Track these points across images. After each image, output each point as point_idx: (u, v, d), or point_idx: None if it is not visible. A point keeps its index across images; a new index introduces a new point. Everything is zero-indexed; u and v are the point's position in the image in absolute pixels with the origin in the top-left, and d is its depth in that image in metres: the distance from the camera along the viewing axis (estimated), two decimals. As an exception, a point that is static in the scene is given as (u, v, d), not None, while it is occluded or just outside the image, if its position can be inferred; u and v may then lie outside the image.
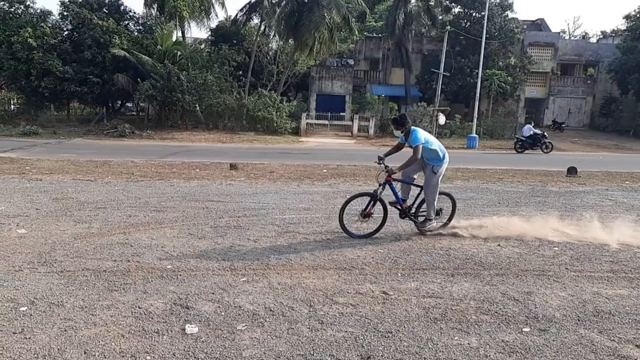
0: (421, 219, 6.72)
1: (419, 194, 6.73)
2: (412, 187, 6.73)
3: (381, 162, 6.46)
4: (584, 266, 5.60)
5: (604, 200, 10.00)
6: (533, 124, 23.88)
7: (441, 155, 6.49)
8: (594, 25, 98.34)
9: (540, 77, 39.84)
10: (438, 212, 6.75)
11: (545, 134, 23.72)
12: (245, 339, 3.67)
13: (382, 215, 6.54)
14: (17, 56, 26.78)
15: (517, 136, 24.35)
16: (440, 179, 6.56)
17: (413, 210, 6.74)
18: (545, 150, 22.88)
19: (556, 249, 6.27)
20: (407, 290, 4.73)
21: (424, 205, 6.70)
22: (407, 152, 6.52)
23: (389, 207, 6.56)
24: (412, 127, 6.38)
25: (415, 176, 6.70)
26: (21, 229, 6.50)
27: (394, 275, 5.15)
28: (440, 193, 6.73)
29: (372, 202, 6.46)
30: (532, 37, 39.51)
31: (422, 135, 6.33)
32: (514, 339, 3.78)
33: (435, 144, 6.50)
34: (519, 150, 23.21)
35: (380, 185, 6.48)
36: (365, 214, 6.48)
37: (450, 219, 7.01)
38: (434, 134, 15.79)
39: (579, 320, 4.15)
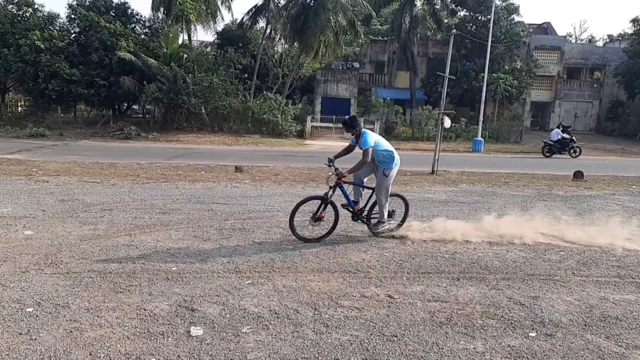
0: (374, 221, 6.69)
1: (370, 196, 6.71)
2: (364, 189, 6.68)
3: (331, 164, 6.37)
4: (590, 271, 5.56)
5: (610, 204, 9.93)
6: (562, 128, 23.49)
7: (392, 158, 6.46)
8: (600, 29, 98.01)
9: (546, 80, 39.73)
10: (391, 214, 6.73)
11: (573, 138, 23.25)
12: (250, 342, 3.67)
13: (334, 218, 6.47)
14: (25, 59, 27.00)
15: (544, 140, 23.98)
16: (391, 181, 6.54)
17: (365, 212, 6.70)
18: (573, 155, 22.46)
19: (562, 253, 6.23)
20: (413, 294, 4.71)
21: (377, 208, 6.67)
22: (359, 153, 6.47)
23: (340, 210, 6.51)
24: (363, 130, 6.35)
25: (365, 179, 6.68)
26: (28, 230, 6.54)
27: (399, 278, 5.13)
28: (393, 195, 6.73)
29: (323, 206, 6.37)
30: (538, 41, 39.44)
31: (373, 138, 6.32)
32: (520, 344, 3.75)
33: (386, 146, 6.48)
34: (547, 154, 22.85)
35: (330, 188, 6.40)
36: (317, 218, 6.37)
37: (403, 221, 6.98)
38: (440, 137, 15.74)
39: (585, 325, 4.12)
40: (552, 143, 22.97)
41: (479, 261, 5.78)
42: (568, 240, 6.76)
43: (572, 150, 22.68)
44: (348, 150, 6.65)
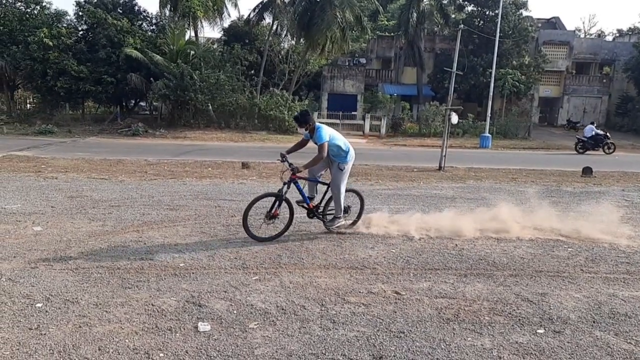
0: (330, 217, 6.56)
1: (326, 192, 6.57)
2: (319, 185, 6.56)
3: (284, 159, 6.16)
4: (599, 267, 5.52)
5: (619, 200, 9.84)
6: (595, 125, 23.19)
7: (346, 152, 6.32)
8: (609, 24, 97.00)
9: (554, 76, 39.39)
10: (346, 210, 6.60)
11: (607, 134, 23.00)
12: (258, 338, 3.68)
13: (289, 215, 6.32)
14: (34, 56, 27.16)
15: (578, 136, 23.71)
16: (347, 175, 6.41)
17: (321, 209, 6.56)
18: (607, 151, 22.20)
19: (571, 249, 6.19)
20: (420, 290, 4.70)
21: (332, 204, 6.53)
22: (312, 147, 6.31)
23: (295, 206, 6.37)
24: (317, 124, 6.19)
25: (320, 174, 6.53)
26: (37, 227, 6.59)
27: (406, 275, 5.12)
28: (348, 190, 6.61)
29: (277, 203, 6.17)
30: (547, 36, 39.09)
31: (328, 132, 6.16)
32: (528, 341, 3.73)
33: (341, 140, 6.32)
34: (580, 150, 22.59)
35: (285, 184, 6.21)
36: (271, 215, 6.16)
37: (359, 217, 6.88)
38: (447, 133, 15.67)
39: (594, 322, 4.09)
40: (585, 139, 22.62)
41: (486, 257, 5.76)
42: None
43: (606, 147, 22.33)
44: (301, 144, 6.48)
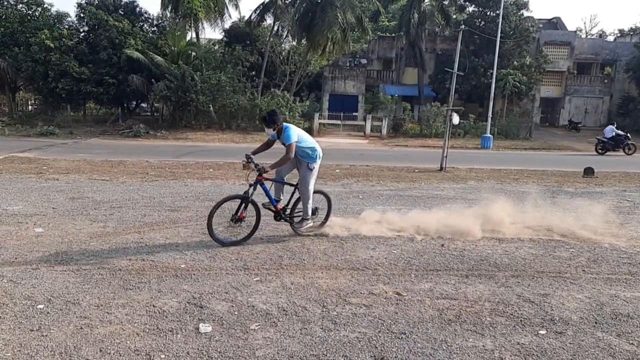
0: (297, 219, 6.40)
1: (293, 194, 6.44)
2: (285, 186, 6.40)
3: (250, 160, 5.99)
4: (601, 268, 5.51)
5: (621, 201, 9.83)
6: (615, 125, 22.99)
7: (314, 152, 6.21)
8: (611, 24, 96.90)
9: (556, 76, 39.35)
10: (314, 212, 6.46)
11: (628, 134, 22.77)
12: (259, 339, 3.68)
13: (255, 218, 6.16)
14: (35, 57, 27.22)
15: (598, 137, 23.43)
16: (316, 176, 6.30)
17: (288, 211, 6.42)
18: (628, 152, 21.94)
19: (573, 250, 6.18)
20: (421, 291, 4.70)
21: (299, 205, 6.39)
22: (280, 148, 6.15)
23: (262, 209, 6.20)
24: (285, 124, 6.06)
25: (287, 176, 6.39)
26: (38, 228, 6.60)
27: (407, 276, 5.11)
28: (315, 192, 6.49)
29: (243, 205, 6.00)
30: (548, 36, 39.06)
31: (296, 132, 6.03)
32: (530, 342, 3.73)
33: (309, 141, 6.24)
34: (600, 151, 22.34)
35: (251, 185, 6.03)
36: (237, 219, 5.99)
37: (326, 218, 6.78)
38: (448, 133, 15.66)
39: (596, 323, 4.08)
40: (606, 140, 22.38)
41: (488, 258, 5.75)
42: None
43: (626, 148, 22.09)
44: (267, 145, 6.33)
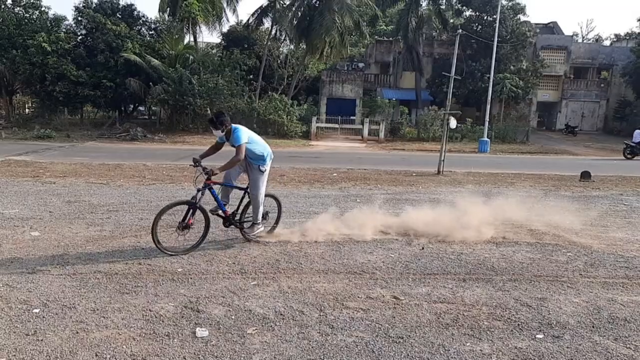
0: (248, 224, 6.21)
1: (242, 198, 6.25)
2: (233, 190, 6.18)
3: (197, 164, 5.73)
4: (598, 272, 5.51)
5: (618, 205, 9.86)
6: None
7: (265, 153, 6.04)
8: (607, 28, 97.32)
9: (552, 80, 39.52)
10: (264, 216, 6.28)
11: None
12: (256, 343, 3.66)
13: (204, 225, 5.88)
14: (32, 61, 27.20)
15: (626, 142, 23.34)
16: (267, 178, 6.12)
17: (238, 216, 6.20)
18: None
19: (570, 254, 6.18)
20: (419, 295, 4.69)
21: (250, 210, 6.20)
22: (229, 151, 5.96)
23: (211, 215, 5.94)
24: (234, 126, 5.86)
25: (236, 179, 6.21)
26: (35, 232, 6.57)
27: (405, 280, 5.11)
28: (266, 195, 6.29)
29: (191, 211, 5.70)
30: (545, 41, 39.24)
31: (246, 133, 5.85)
32: (527, 346, 3.72)
33: (259, 142, 6.07)
34: (628, 156, 22.25)
35: (198, 190, 5.74)
36: (184, 226, 5.69)
37: (277, 222, 6.64)
38: (445, 137, 15.69)
39: (593, 327, 4.08)
40: (634, 144, 22.30)
41: (485, 262, 5.75)
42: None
43: None
44: (216, 148, 6.04)
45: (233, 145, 5.80)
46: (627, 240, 6.95)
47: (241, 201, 6.28)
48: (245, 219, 6.26)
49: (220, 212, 6.04)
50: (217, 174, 5.70)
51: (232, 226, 6.23)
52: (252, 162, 6.02)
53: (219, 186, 6.02)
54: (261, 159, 6.03)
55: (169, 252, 5.64)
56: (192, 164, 5.82)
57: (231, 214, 6.14)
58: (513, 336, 3.88)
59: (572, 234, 7.19)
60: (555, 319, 4.20)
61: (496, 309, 4.39)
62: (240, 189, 6.20)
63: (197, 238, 5.89)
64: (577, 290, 4.91)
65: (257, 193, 6.04)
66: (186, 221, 5.71)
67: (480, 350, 3.65)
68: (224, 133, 5.81)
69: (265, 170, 6.06)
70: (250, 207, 6.22)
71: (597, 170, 15.16)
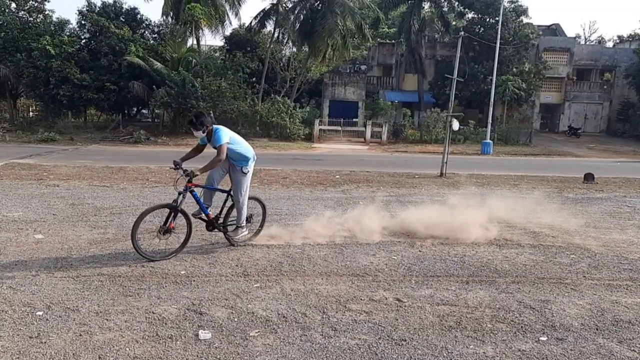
0: (232, 228, 6.07)
1: (225, 201, 6.12)
2: (216, 192, 6.03)
3: (178, 167, 5.56)
4: (602, 274, 5.49)
5: (621, 206, 9.82)
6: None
7: (248, 154, 5.93)
8: (610, 30, 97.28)
9: (555, 82, 39.45)
10: (248, 219, 6.16)
11: None
12: (259, 345, 3.66)
13: (186, 229, 5.75)
14: (36, 64, 27.34)
15: None
16: (250, 180, 6.00)
17: (221, 220, 6.07)
18: None
19: (573, 256, 6.16)
20: (421, 297, 4.68)
21: (233, 212, 6.07)
22: (211, 153, 5.80)
23: (192, 219, 5.81)
24: (215, 126, 5.74)
25: (219, 182, 6.04)
26: (38, 234, 6.59)
27: (407, 282, 5.10)
28: (250, 198, 6.18)
29: (172, 215, 5.58)
30: (547, 43, 39.18)
31: (227, 134, 5.72)
32: (531, 348, 3.71)
33: (242, 143, 5.94)
34: None
35: (180, 193, 5.60)
36: (165, 230, 5.56)
37: (261, 226, 6.51)
38: (448, 139, 15.67)
39: (597, 329, 4.07)
40: None
41: (488, 264, 5.74)
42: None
43: None
44: (197, 150, 5.89)
45: (214, 147, 5.66)
46: (630, 242, 6.93)
47: (224, 204, 6.15)
48: (229, 223, 6.13)
49: (202, 215, 5.90)
50: (197, 175, 5.56)
51: (216, 230, 6.08)
52: (234, 164, 5.93)
53: (201, 189, 5.89)
54: (244, 160, 5.92)
55: (150, 258, 5.50)
56: (173, 166, 5.65)
57: (214, 217, 6.01)
58: (516, 339, 3.87)
59: (575, 236, 7.18)
60: (558, 322, 4.19)
61: (499, 311, 4.38)
62: (223, 191, 6.07)
63: (180, 242, 5.77)
64: (581, 293, 4.89)
65: (241, 195, 5.93)
66: (167, 225, 5.58)
67: (484, 352, 3.64)
68: (205, 134, 5.69)
69: (248, 172, 5.95)
70: (234, 210, 6.10)
71: (600, 172, 15.12)
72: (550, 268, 5.67)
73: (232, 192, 6.02)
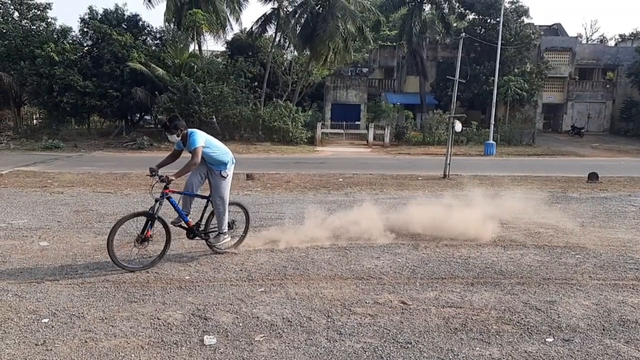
0: (213, 234, 5.91)
1: (205, 207, 5.97)
2: (195, 199, 5.86)
3: (154, 174, 5.39)
4: (608, 274, 5.47)
5: (626, 206, 9.78)
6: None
7: (226, 158, 5.79)
8: (612, 29, 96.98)
9: (558, 82, 39.37)
10: (230, 225, 6.00)
11: None
12: (264, 350, 3.66)
13: (165, 237, 5.62)
14: (40, 71, 27.46)
15: None
16: (229, 184, 5.83)
17: (202, 227, 5.92)
18: None
19: (579, 256, 6.14)
20: (426, 299, 4.67)
21: (214, 219, 5.91)
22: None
23: (172, 227, 5.68)
24: (190, 130, 5.60)
25: (198, 188, 5.88)
26: (43, 242, 6.61)
27: (412, 284, 5.09)
28: (231, 203, 6.01)
29: (149, 223, 5.42)
30: (549, 42, 39.12)
31: (203, 137, 5.55)
32: (537, 350, 3.69)
33: (219, 146, 5.79)
34: None
35: (156, 200, 5.45)
36: (143, 238, 5.41)
37: (245, 232, 6.33)
38: (451, 141, 15.65)
39: (604, 330, 4.05)
40: None
41: (493, 266, 5.72)
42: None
43: None
44: (174, 156, 5.75)
45: (189, 151, 5.51)
46: (636, 242, 6.89)
47: (204, 211, 5.99)
48: (210, 230, 5.98)
49: (182, 223, 5.73)
50: (173, 179, 5.41)
51: (197, 238, 5.91)
52: (213, 168, 5.75)
53: (179, 196, 5.76)
54: (222, 164, 5.76)
55: (128, 268, 5.34)
56: (149, 174, 5.48)
57: (195, 224, 5.84)
58: (523, 340, 3.85)
59: (580, 236, 7.15)
60: (565, 322, 4.17)
61: (505, 312, 4.37)
62: (202, 197, 5.88)
63: (159, 252, 5.63)
64: (587, 293, 4.87)
65: (221, 201, 5.76)
66: (145, 234, 5.42)
67: (490, 354, 3.62)
68: (179, 138, 5.57)
69: (228, 175, 5.79)
70: (215, 216, 5.94)
71: (604, 171, 15.06)
72: (555, 269, 5.64)
73: (211, 198, 5.86)
